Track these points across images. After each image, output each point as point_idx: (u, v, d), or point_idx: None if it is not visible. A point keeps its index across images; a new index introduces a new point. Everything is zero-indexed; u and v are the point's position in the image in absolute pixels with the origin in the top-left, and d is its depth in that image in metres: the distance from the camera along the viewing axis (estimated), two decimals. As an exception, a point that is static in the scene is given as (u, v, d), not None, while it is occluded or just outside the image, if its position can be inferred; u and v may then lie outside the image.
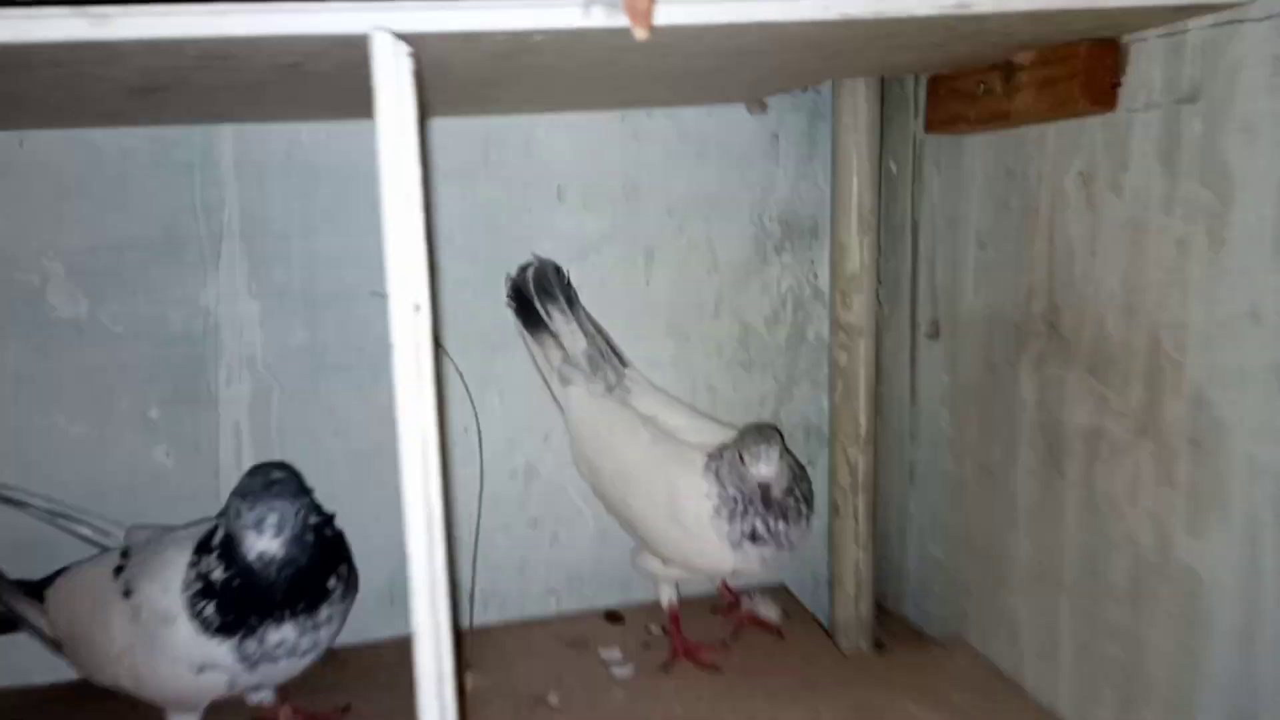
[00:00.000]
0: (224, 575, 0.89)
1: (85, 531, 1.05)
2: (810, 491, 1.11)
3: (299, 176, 1.20)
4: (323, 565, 0.92)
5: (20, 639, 1.05)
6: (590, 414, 1.20)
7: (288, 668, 0.92)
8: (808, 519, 1.09)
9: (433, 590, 0.61)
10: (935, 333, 1.25)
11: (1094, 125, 0.94)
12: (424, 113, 1.09)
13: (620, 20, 0.60)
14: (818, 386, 1.40)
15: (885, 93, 1.22)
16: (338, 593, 0.94)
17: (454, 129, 1.23)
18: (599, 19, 0.61)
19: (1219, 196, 0.81)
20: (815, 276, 1.39)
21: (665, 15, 0.61)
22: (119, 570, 0.95)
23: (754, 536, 1.06)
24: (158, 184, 1.16)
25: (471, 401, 1.27)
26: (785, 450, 1.06)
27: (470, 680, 1.14)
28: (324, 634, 0.93)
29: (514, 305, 1.23)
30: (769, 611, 1.25)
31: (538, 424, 1.31)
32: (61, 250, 1.15)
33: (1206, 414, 0.83)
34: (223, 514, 0.91)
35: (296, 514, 0.89)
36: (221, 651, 0.88)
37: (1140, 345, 0.90)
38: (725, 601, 1.29)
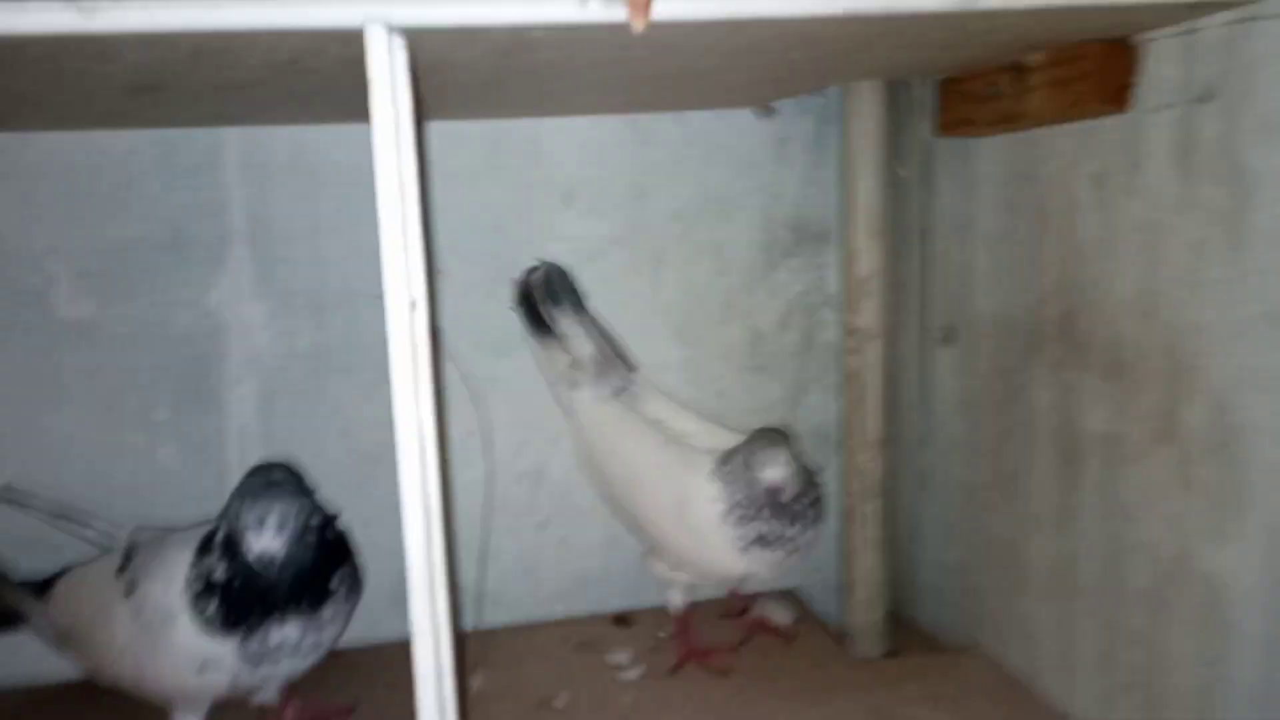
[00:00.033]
0: (225, 574, 0.88)
1: (90, 533, 1.04)
2: (821, 496, 1.10)
3: (304, 179, 1.20)
4: (325, 565, 0.91)
5: (24, 638, 1.05)
6: (598, 418, 1.19)
7: (291, 667, 0.92)
8: (818, 524, 1.08)
9: (431, 587, 0.60)
10: (948, 338, 1.23)
11: (1107, 126, 0.92)
12: (427, 114, 1.10)
13: (618, 13, 0.59)
14: (828, 392, 1.39)
15: (895, 97, 1.20)
16: (341, 592, 0.93)
17: (460, 132, 1.23)
18: (596, 12, 0.60)
19: (1236, 196, 0.79)
20: (825, 281, 1.38)
21: (664, 9, 0.60)
22: (121, 570, 0.95)
23: (763, 541, 1.04)
24: (163, 186, 1.17)
25: (475, 405, 1.27)
26: (795, 454, 1.05)
27: (476, 681, 1.13)
28: (327, 634, 0.92)
29: (521, 309, 1.22)
30: (779, 616, 1.24)
31: (546, 427, 1.30)
32: (67, 252, 1.16)
33: (1226, 418, 0.81)
34: (224, 513, 0.91)
35: (297, 513, 0.88)
36: (223, 650, 0.88)
37: (1157, 349, 0.88)
38: (735, 606, 1.28)
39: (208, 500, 1.14)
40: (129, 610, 0.91)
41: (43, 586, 1.03)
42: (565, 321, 1.20)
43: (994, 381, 1.13)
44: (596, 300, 1.23)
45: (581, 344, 1.20)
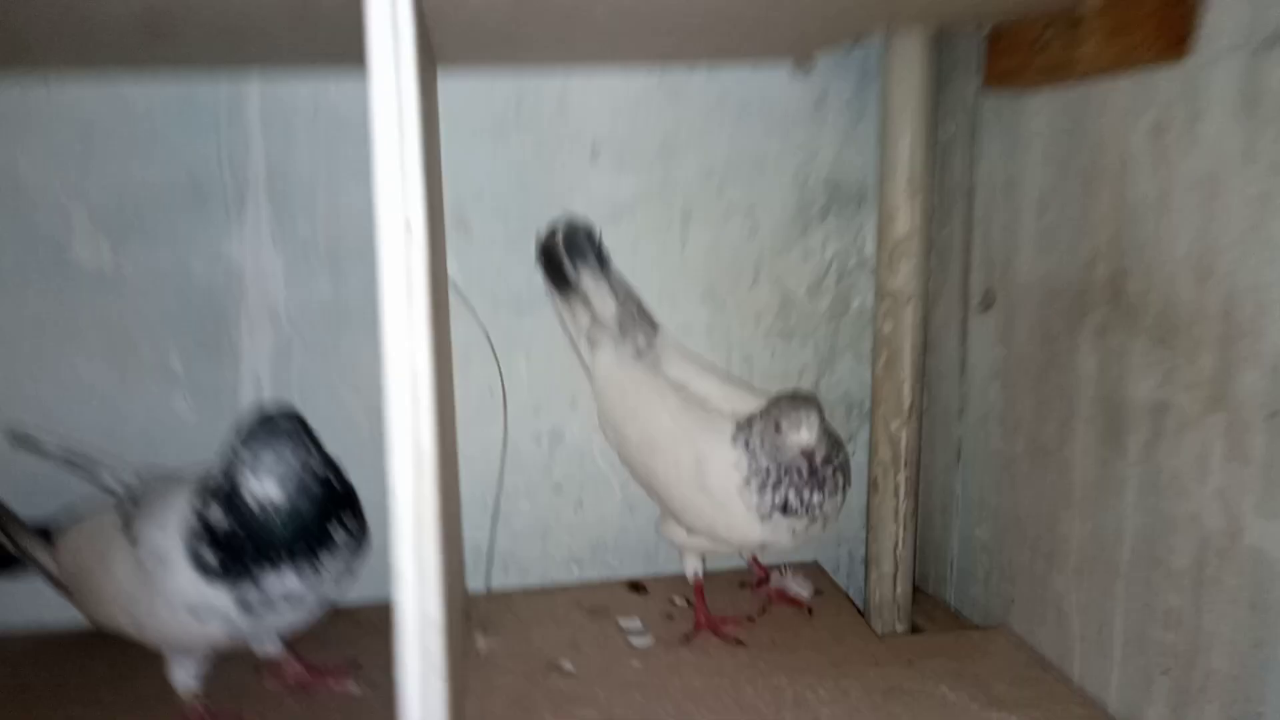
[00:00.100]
0: (222, 518, 0.86)
1: (100, 479, 1.03)
2: (847, 463, 1.05)
3: (326, 130, 1.18)
4: (328, 515, 0.89)
5: (33, 584, 1.04)
6: (618, 378, 1.15)
7: (291, 618, 0.90)
8: (844, 492, 1.04)
9: (418, 532, 0.57)
10: (988, 304, 1.17)
11: (1164, 76, 0.86)
12: (443, 59, 1.07)
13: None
14: (861, 360, 1.34)
15: (939, 52, 1.15)
16: (345, 546, 0.90)
17: (484, 85, 1.19)
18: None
19: (1307, 144, 0.73)
20: (862, 245, 1.32)
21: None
22: (124, 512, 0.93)
23: (786, 509, 1.00)
24: (184, 135, 1.15)
25: (497, 362, 1.24)
26: (823, 418, 1.00)
27: (482, 642, 1.10)
28: (329, 586, 0.90)
29: (543, 265, 1.19)
30: (799, 588, 1.19)
31: (565, 388, 1.27)
32: (86, 200, 1.15)
33: (1286, 383, 0.75)
34: (225, 457, 0.88)
35: (299, 462, 0.86)
36: (218, 596, 0.86)
37: (1214, 310, 0.82)
38: (754, 576, 1.24)
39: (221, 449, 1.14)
40: (129, 554, 0.89)
41: (48, 528, 1.02)
42: (588, 279, 1.16)
43: (1035, 349, 1.08)
44: (621, 259, 1.19)
45: (604, 302, 1.16)
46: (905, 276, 1.13)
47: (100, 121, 1.13)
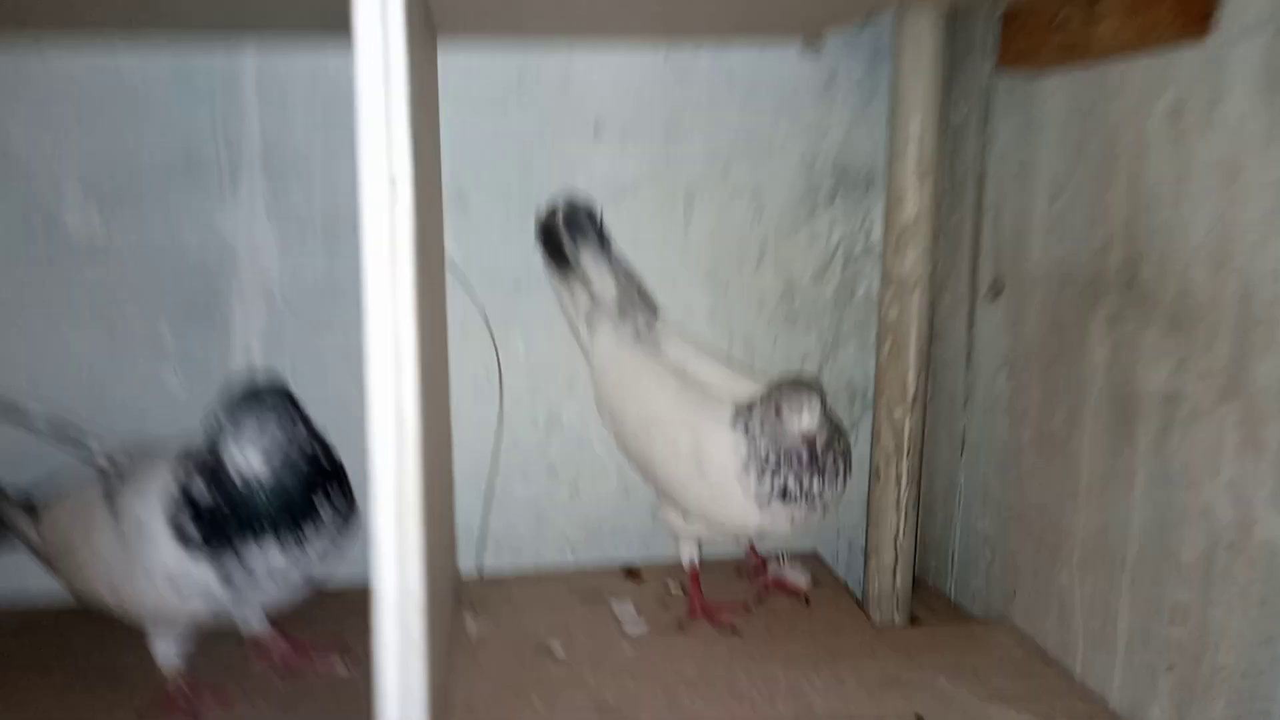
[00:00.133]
0: (204, 490, 0.84)
1: (87, 451, 1.01)
2: (849, 451, 1.03)
3: (323, 103, 1.16)
4: (314, 490, 0.86)
5: (18, 557, 1.03)
6: (616, 360, 1.13)
7: (275, 594, 0.88)
8: (844, 480, 1.01)
9: (400, 499, 0.54)
10: (997, 292, 1.15)
11: (1184, 57, 0.84)
12: (442, 27, 1.04)
13: None
14: (865, 348, 1.31)
15: (953, 33, 1.12)
16: (331, 521, 0.88)
17: (486, 59, 1.17)
18: None
19: (1331, 125, 0.70)
20: (869, 231, 1.30)
21: None
22: (108, 485, 0.91)
23: (785, 495, 0.98)
24: (178, 106, 1.13)
25: (494, 342, 1.22)
26: (825, 404, 0.98)
27: (472, 624, 1.08)
28: (315, 562, 0.88)
29: (543, 244, 1.17)
30: (797, 577, 1.17)
31: (562, 370, 1.24)
32: (78, 168, 1.13)
33: (1303, 372, 0.73)
34: (209, 428, 0.86)
35: (283, 432, 0.84)
36: (200, 568, 0.84)
37: (1230, 298, 0.80)
38: (751, 564, 1.22)
39: (210, 424, 1.12)
40: (111, 526, 0.87)
41: (35, 504, 1.00)
42: (588, 258, 1.14)
43: (1044, 337, 1.05)
44: (623, 241, 1.17)
45: (604, 283, 1.14)
46: (912, 262, 1.11)
47: (94, 91, 1.11)
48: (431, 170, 0.94)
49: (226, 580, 0.84)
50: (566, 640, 1.06)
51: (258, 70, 1.14)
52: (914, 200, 1.09)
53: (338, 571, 0.93)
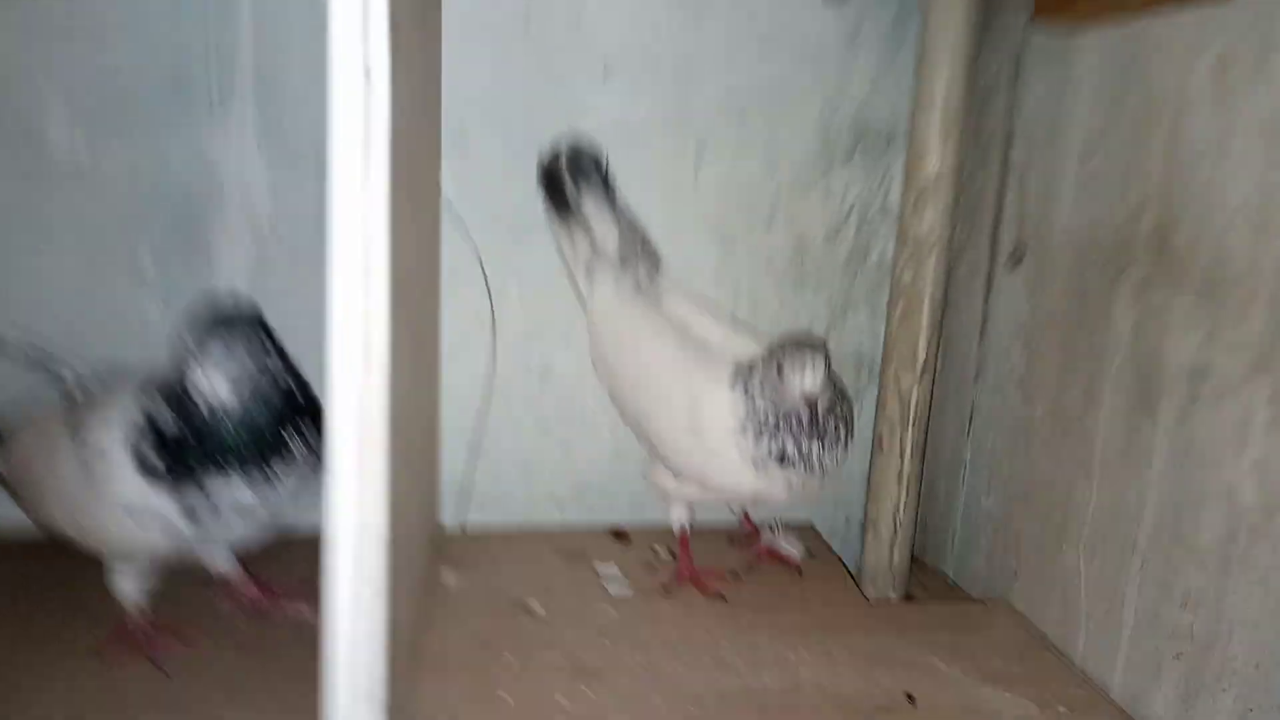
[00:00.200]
0: (167, 416, 0.80)
1: (62, 378, 0.97)
2: (851, 416, 0.98)
3: (323, 35, 1.09)
4: (286, 424, 0.82)
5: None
6: (615, 311, 1.09)
7: (241, 530, 0.84)
8: (845, 446, 0.97)
9: (362, 425, 0.49)
10: (1018, 259, 1.09)
11: (1232, 7, 0.78)
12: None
13: None
14: (876, 314, 1.26)
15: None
16: (304, 458, 0.84)
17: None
18: None
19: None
20: (887, 191, 1.24)
21: None
22: (74, 412, 0.87)
23: (783, 458, 0.93)
24: (170, 26, 1.08)
25: (488, 287, 1.17)
26: (829, 364, 0.93)
27: (450, 577, 1.04)
28: (286, 501, 0.84)
29: (544, 187, 1.12)
30: (790, 547, 1.13)
31: (559, 321, 1.19)
32: (62, 86, 1.08)
33: (1346, 345, 0.67)
34: (176, 353, 0.82)
35: (254, 361, 0.79)
36: (161, 500, 0.80)
37: (1269, 265, 0.74)
38: (744, 532, 1.17)
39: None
40: (74, 454, 0.83)
41: (1, 431, 0.96)
42: (590, 204, 1.09)
43: (1065, 306, 1.00)
44: (628, 189, 1.12)
45: (606, 230, 1.09)
46: (930, 223, 1.05)
47: (83, 2, 1.06)
48: (430, 96, 0.88)
49: (190, 514, 0.80)
50: (547, 599, 1.02)
51: (255, -9, 1.08)
52: (936, 157, 1.04)
53: (312, 515, 0.89)
